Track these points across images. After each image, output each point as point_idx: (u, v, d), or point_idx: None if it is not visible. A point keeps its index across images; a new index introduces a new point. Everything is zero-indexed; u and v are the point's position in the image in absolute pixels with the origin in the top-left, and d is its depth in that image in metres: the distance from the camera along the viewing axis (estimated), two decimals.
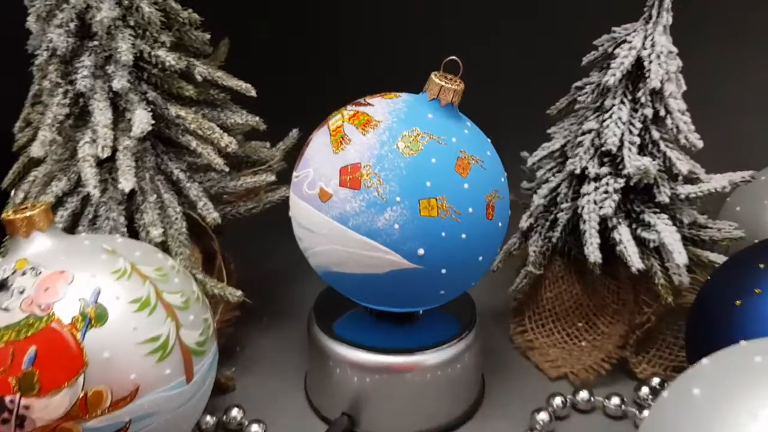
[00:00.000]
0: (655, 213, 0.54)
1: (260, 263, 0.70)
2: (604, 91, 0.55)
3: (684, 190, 0.54)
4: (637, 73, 0.54)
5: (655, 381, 0.55)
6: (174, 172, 0.54)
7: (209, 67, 0.54)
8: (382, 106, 0.46)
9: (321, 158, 0.44)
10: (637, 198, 0.55)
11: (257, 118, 0.56)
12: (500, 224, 0.46)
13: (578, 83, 0.59)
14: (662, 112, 0.54)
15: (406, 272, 0.43)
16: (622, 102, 0.54)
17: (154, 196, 0.53)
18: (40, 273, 0.40)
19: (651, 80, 0.52)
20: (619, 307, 0.59)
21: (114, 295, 0.40)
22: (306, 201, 0.45)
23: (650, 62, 0.52)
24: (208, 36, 0.54)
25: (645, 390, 0.54)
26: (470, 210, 0.43)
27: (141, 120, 0.49)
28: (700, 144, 0.54)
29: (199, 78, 0.54)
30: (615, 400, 0.53)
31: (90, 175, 0.48)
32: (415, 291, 0.45)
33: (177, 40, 0.53)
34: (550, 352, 0.60)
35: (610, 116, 0.54)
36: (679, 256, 0.51)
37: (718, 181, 0.53)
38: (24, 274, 0.39)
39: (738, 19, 0.88)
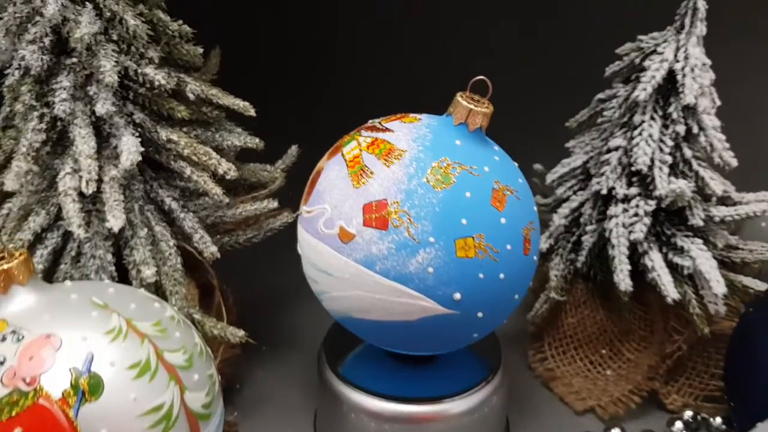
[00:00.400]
0: (687, 237, 0.51)
1: (260, 290, 0.65)
2: (633, 105, 0.51)
3: (719, 212, 0.50)
4: (668, 86, 0.50)
5: (688, 414, 0.52)
6: (166, 201, 0.49)
7: (202, 84, 0.49)
8: (403, 133, 0.41)
9: (338, 193, 0.40)
10: (667, 220, 0.52)
11: (257, 140, 0.51)
12: (534, 258, 0.43)
13: (601, 95, 0.55)
14: (695, 129, 0.50)
15: (439, 318, 0.39)
16: (652, 118, 0.50)
17: (145, 229, 0.48)
18: (23, 338, 0.34)
19: (685, 96, 0.49)
20: (646, 333, 0.55)
21: (109, 360, 0.35)
22: (323, 241, 0.40)
23: (684, 76, 0.49)
24: (201, 50, 0.49)
25: (678, 425, 0.51)
26: (508, 247, 0.39)
27: (129, 148, 0.44)
28: (734, 163, 0.50)
29: (191, 97, 0.48)
30: None
31: (73, 212, 0.43)
32: (447, 336, 0.41)
33: (166, 55, 0.48)
34: (574, 382, 0.56)
35: (640, 133, 0.50)
36: (718, 285, 0.48)
37: (758, 205, 0.50)
38: (4, 339, 0.34)
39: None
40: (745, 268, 0.54)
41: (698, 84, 0.49)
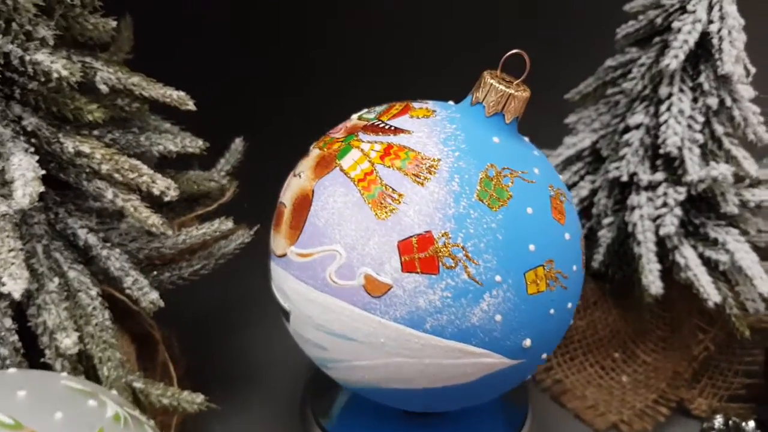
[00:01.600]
0: (719, 226, 0.44)
1: (209, 323, 0.52)
2: (656, 76, 0.43)
3: (754, 197, 0.44)
4: (697, 51, 0.43)
5: (719, 422, 0.47)
6: (79, 233, 0.36)
7: (117, 70, 0.36)
8: (424, 132, 0.31)
9: (354, 228, 0.29)
10: (693, 207, 0.45)
11: (199, 141, 0.39)
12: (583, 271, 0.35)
13: (611, 62, 0.47)
14: (728, 102, 0.43)
15: (502, 372, 0.31)
16: (681, 90, 0.43)
17: (56, 279, 0.35)
18: None
19: (723, 64, 0.41)
20: (665, 333, 0.50)
21: None
22: (336, 296, 0.29)
23: (720, 40, 0.41)
24: (113, 23, 0.35)
25: None
26: (574, 268, 0.32)
27: (25, 175, 0.30)
28: (767, 138, 0.44)
29: (103, 89, 0.35)
30: None
31: None
32: (501, 388, 0.32)
33: (62, 31, 0.34)
34: (588, 394, 0.50)
35: (668, 109, 0.43)
36: (762, 283, 0.42)
37: None
38: None
39: None
40: None
41: (736, 50, 0.41)
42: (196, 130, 0.41)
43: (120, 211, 0.38)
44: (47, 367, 0.35)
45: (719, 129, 0.44)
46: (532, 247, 0.29)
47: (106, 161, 0.34)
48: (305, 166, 0.33)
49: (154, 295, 0.36)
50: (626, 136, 0.45)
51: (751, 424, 0.47)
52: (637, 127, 0.45)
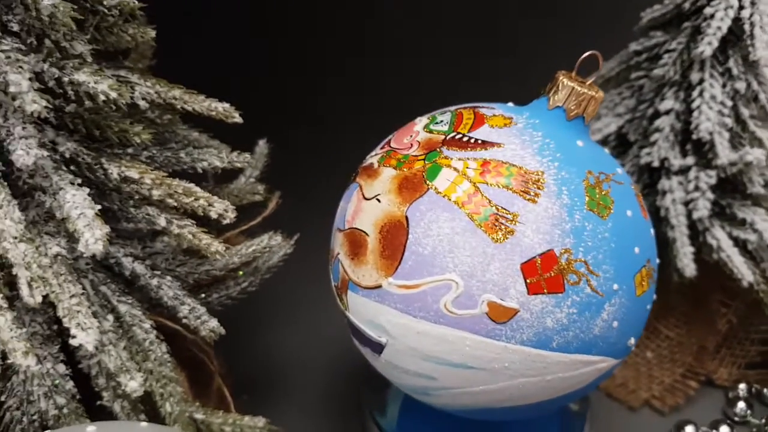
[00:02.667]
0: (745, 206, 0.46)
1: (249, 343, 0.50)
2: (687, 61, 0.44)
3: None
4: (726, 36, 0.43)
5: (742, 389, 0.50)
6: (124, 262, 0.34)
7: (156, 83, 0.33)
8: (516, 144, 0.30)
9: (469, 255, 0.28)
10: (719, 188, 0.47)
11: (246, 155, 0.36)
12: None
13: (636, 46, 0.47)
14: (755, 86, 0.44)
15: (607, 373, 0.32)
16: (712, 76, 0.43)
17: (110, 317, 0.32)
18: None
19: (755, 50, 0.42)
20: (687, 308, 0.51)
21: None
22: (455, 326, 0.28)
23: (752, 26, 0.42)
24: (153, 32, 0.32)
25: (741, 405, 0.48)
26: (657, 261, 0.33)
27: (87, 215, 0.28)
28: None
29: (143, 106, 0.32)
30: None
31: (18, 346, 0.27)
32: (594, 387, 0.33)
33: (95, 44, 0.31)
34: (615, 372, 0.51)
35: (701, 94, 0.43)
36: None
37: None
38: None
39: None
40: None
41: (767, 35, 0.42)
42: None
43: (152, 230, 0.36)
44: (104, 409, 0.33)
45: (745, 112, 0.45)
46: (636, 249, 0.30)
47: (157, 186, 0.31)
48: (381, 188, 0.30)
49: (214, 323, 0.34)
50: (657, 122, 0.45)
51: None
52: (668, 112, 0.45)
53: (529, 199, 0.28)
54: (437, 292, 0.28)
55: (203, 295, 0.37)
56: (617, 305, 0.29)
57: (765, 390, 0.50)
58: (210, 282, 0.38)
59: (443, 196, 0.29)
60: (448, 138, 0.31)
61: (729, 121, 0.44)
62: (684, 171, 0.45)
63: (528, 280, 0.28)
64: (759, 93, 0.44)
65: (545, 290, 0.28)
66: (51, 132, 0.30)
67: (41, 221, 0.30)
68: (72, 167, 0.31)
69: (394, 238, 0.29)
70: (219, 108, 0.34)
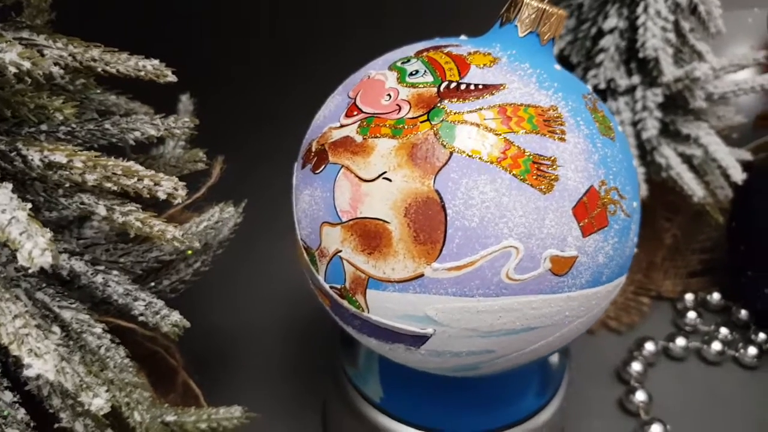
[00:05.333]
0: (688, 122, 0.47)
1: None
2: None
3: (717, 89, 0.47)
4: None
5: (689, 299, 0.52)
6: (60, 262, 0.29)
7: (67, 43, 0.27)
8: (516, 82, 0.28)
9: (521, 213, 0.26)
10: (662, 106, 0.47)
11: (185, 120, 0.32)
12: None
13: None
14: None
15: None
16: None
17: (55, 328, 0.28)
18: None
19: None
20: None
21: None
22: (516, 294, 0.26)
23: None
24: None
25: (692, 315, 0.51)
26: None
27: (19, 218, 0.23)
28: (724, 29, 0.46)
29: (57, 73, 0.27)
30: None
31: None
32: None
33: None
34: None
35: (645, 10, 0.43)
36: (736, 172, 0.46)
37: (765, 77, 0.47)
38: None
39: None
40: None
41: None
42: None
43: (80, 216, 0.31)
44: (65, 431, 0.29)
45: (686, 26, 0.45)
46: (635, 163, 0.30)
47: (91, 169, 0.27)
48: (385, 164, 0.27)
49: (176, 316, 0.31)
50: (601, 42, 0.45)
51: (716, 295, 0.53)
52: (612, 31, 0.45)
53: (558, 139, 0.27)
54: (496, 264, 0.26)
55: (152, 284, 0.33)
56: (636, 222, 0.30)
57: (708, 297, 0.53)
58: (158, 268, 0.34)
59: (472, 157, 0.26)
60: (442, 89, 0.28)
61: (672, 37, 0.44)
62: (630, 91, 0.46)
63: (581, 223, 0.27)
64: (698, 5, 0.44)
65: (595, 228, 0.27)
66: None
67: None
68: None
69: (428, 219, 0.26)
70: (148, 67, 0.29)
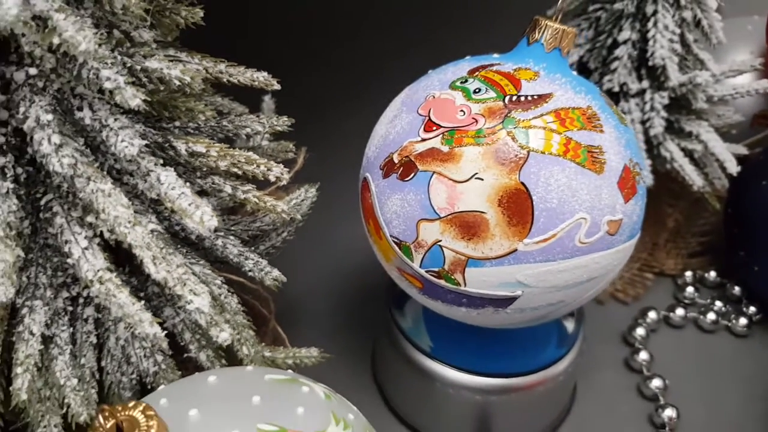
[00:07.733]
0: (691, 120, 0.55)
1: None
2: None
3: (717, 92, 0.55)
4: None
5: (688, 275, 0.61)
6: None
7: (203, 59, 0.36)
8: (559, 90, 0.37)
9: (587, 192, 0.35)
10: (667, 106, 0.56)
11: (284, 118, 0.41)
12: None
13: None
14: (698, 14, 0.52)
15: None
16: (663, 7, 0.51)
17: (190, 274, 0.37)
18: None
19: None
20: None
21: None
22: (586, 253, 0.36)
23: None
24: (201, 13, 0.35)
25: (690, 290, 0.60)
26: None
27: (200, 206, 0.31)
28: (724, 40, 0.55)
29: (197, 85, 0.35)
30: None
31: (144, 317, 0.31)
32: None
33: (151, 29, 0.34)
34: None
35: (655, 24, 0.51)
36: (731, 165, 0.54)
37: (760, 82, 0.55)
38: None
39: None
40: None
41: None
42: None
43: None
44: (190, 360, 0.38)
45: (690, 38, 0.53)
46: (643, 155, 0.40)
47: (222, 157, 0.36)
48: (475, 167, 0.34)
49: (276, 272, 0.40)
50: (616, 51, 0.53)
51: (712, 273, 0.62)
52: (625, 42, 0.53)
53: (600, 131, 0.36)
54: (571, 233, 0.35)
55: (253, 248, 0.42)
56: (646, 189, 0.40)
57: (706, 274, 0.62)
58: (258, 235, 0.43)
59: (545, 153, 0.34)
60: (507, 102, 0.36)
61: (678, 47, 0.52)
62: (640, 93, 0.54)
63: (623, 193, 0.36)
64: (702, 19, 0.53)
65: (631, 195, 0.37)
66: (127, 120, 0.34)
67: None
68: (151, 149, 0.34)
69: (518, 205, 0.34)
70: (260, 78, 0.38)
